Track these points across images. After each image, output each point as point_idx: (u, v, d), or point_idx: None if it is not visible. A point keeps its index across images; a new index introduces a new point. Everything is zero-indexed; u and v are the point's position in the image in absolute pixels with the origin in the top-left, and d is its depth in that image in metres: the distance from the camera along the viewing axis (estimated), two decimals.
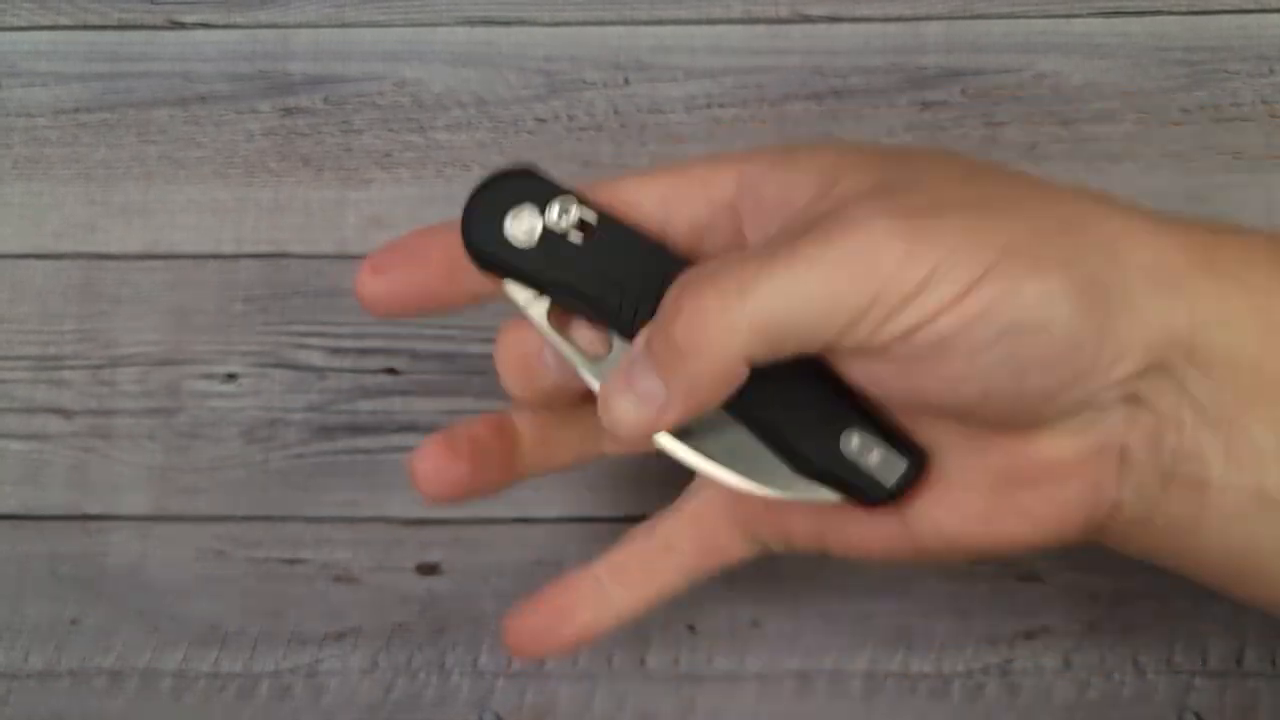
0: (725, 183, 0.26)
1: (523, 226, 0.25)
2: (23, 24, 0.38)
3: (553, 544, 0.34)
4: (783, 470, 0.26)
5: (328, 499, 0.34)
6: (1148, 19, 0.37)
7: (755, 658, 0.33)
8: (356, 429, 0.35)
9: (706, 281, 0.23)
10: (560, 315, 0.26)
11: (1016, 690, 0.33)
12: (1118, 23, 0.37)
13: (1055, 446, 0.24)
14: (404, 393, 0.35)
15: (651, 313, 0.24)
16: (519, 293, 0.25)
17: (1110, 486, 0.24)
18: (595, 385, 0.25)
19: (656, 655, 0.33)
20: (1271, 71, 0.36)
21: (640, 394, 0.24)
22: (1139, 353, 0.23)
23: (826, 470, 0.25)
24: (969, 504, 0.25)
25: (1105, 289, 0.22)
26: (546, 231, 0.25)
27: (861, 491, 0.25)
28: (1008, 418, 0.24)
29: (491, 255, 0.25)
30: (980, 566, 0.33)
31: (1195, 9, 0.37)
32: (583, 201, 0.25)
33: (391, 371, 0.35)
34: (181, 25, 0.38)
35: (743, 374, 0.23)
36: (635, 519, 0.34)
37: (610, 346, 0.26)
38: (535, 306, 0.25)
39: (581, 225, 0.25)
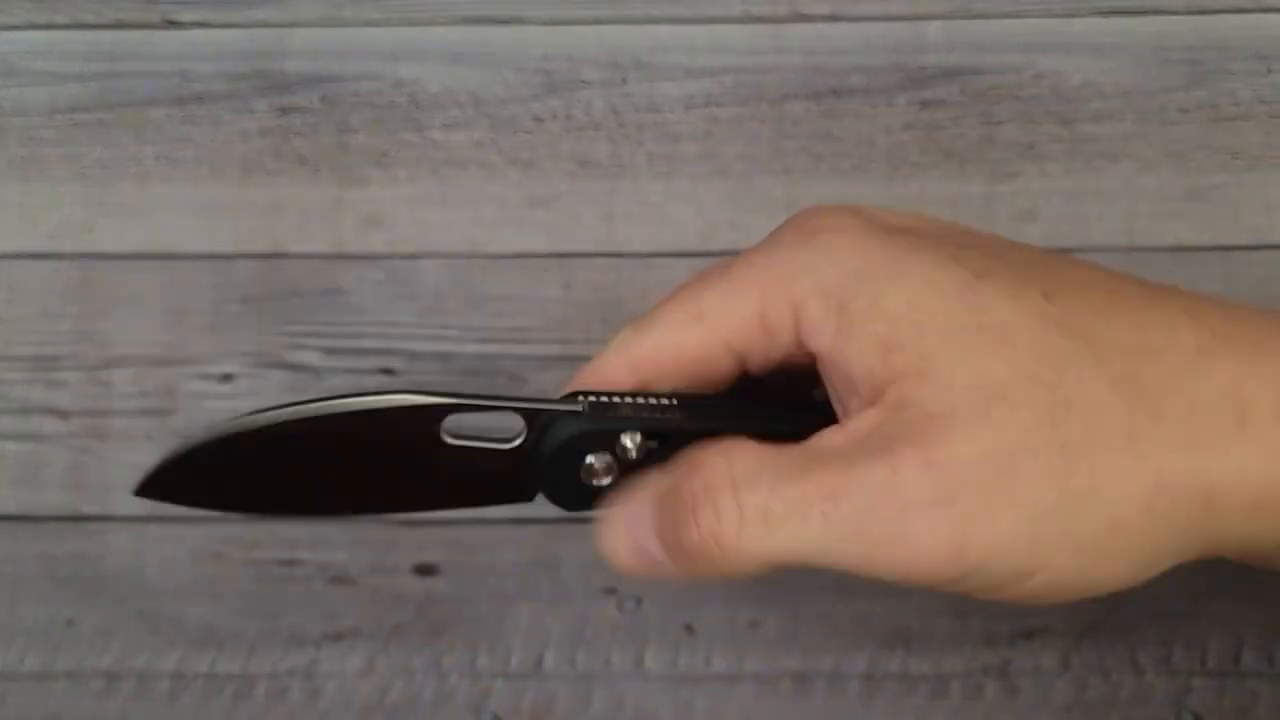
0: (784, 325, 0.23)
1: (602, 473, 0.25)
2: (19, 23, 0.38)
3: (550, 545, 0.34)
4: None
5: None
6: (1147, 19, 0.37)
7: (754, 658, 0.33)
8: None
9: (729, 492, 0.22)
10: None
11: (1015, 691, 0.33)
12: (1117, 22, 0.37)
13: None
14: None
15: None
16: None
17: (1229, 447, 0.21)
18: None
19: (655, 656, 0.33)
20: (1270, 71, 0.36)
21: (640, 549, 0.23)
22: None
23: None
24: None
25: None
26: (623, 467, 0.24)
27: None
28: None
29: (584, 505, 0.25)
30: None
31: (1195, 9, 0.37)
32: (641, 430, 0.24)
33: (388, 372, 0.35)
34: (178, 24, 0.38)
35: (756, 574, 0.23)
36: None
37: None
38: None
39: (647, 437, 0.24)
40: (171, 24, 0.38)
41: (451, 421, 0.25)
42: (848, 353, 0.22)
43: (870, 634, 0.33)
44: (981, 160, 0.36)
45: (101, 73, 0.37)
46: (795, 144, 0.36)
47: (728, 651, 0.33)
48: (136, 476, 0.35)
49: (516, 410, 0.24)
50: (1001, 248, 0.23)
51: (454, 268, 0.36)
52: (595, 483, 0.25)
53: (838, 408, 0.23)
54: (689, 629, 0.34)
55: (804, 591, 0.34)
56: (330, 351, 0.35)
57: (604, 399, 0.24)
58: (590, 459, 0.24)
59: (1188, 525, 0.21)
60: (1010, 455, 0.20)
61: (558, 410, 0.24)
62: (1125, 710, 0.33)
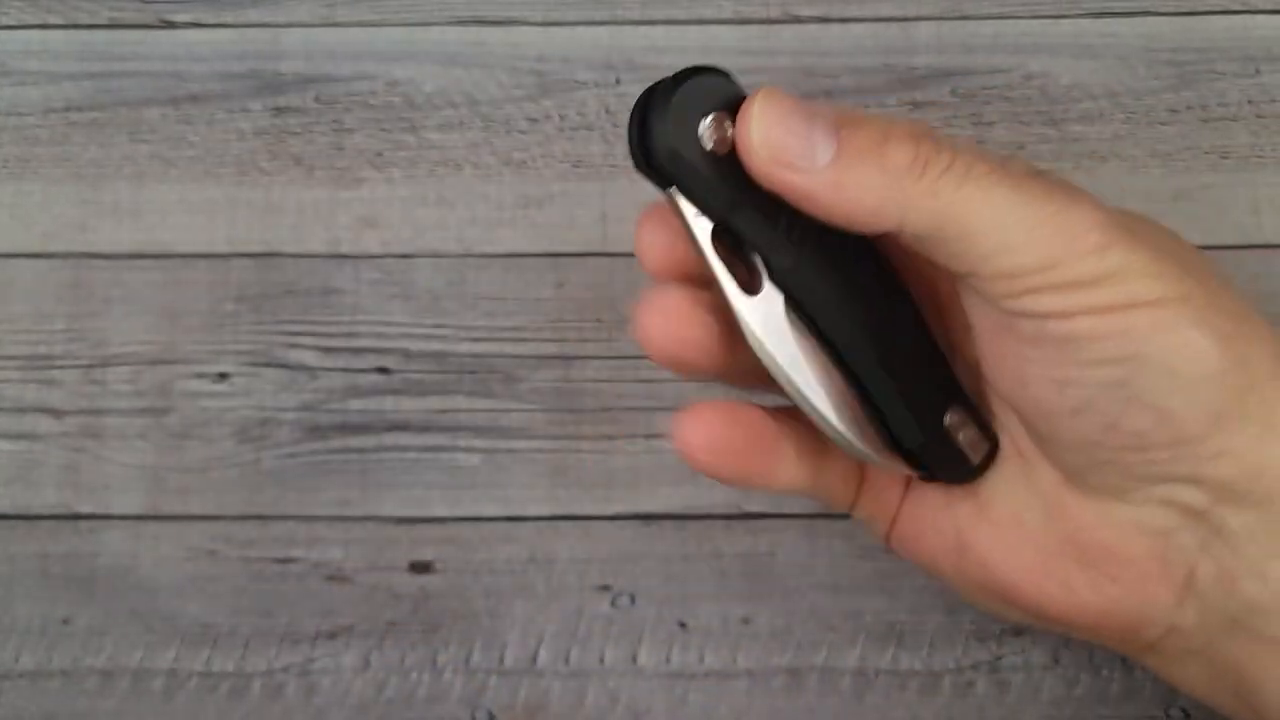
0: None
1: (719, 134, 0.22)
2: (12, 23, 0.38)
3: (545, 542, 0.34)
4: (870, 431, 0.25)
5: (320, 498, 0.34)
6: (1136, 20, 0.37)
7: (746, 655, 0.33)
8: (349, 428, 0.35)
9: (930, 134, 0.22)
10: (721, 239, 0.23)
11: (1006, 686, 0.33)
12: (1106, 23, 0.37)
13: (1121, 534, 0.23)
14: (396, 392, 0.35)
15: (820, 273, 0.23)
16: (688, 205, 0.23)
17: (1167, 605, 0.23)
18: (748, 322, 0.23)
19: (648, 652, 0.34)
20: (1258, 72, 0.37)
21: (806, 138, 0.22)
22: (1241, 467, 0.22)
23: (928, 441, 0.25)
24: (1024, 555, 0.25)
25: (1249, 386, 0.22)
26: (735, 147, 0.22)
27: (949, 467, 0.25)
28: (1087, 456, 0.23)
29: (675, 158, 0.22)
30: None
31: (1183, 10, 0.37)
32: None
33: (383, 370, 0.35)
34: (172, 24, 0.38)
35: (885, 227, 0.22)
36: (626, 517, 0.34)
37: (762, 286, 0.24)
38: (701, 224, 0.23)
39: None
40: (166, 24, 0.38)
41: None
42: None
43: (862, 630, 0.33)
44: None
45: (96, 72, 0.37)
46: None
47: (721, 648, 0.34)
48: (132, 476, 0.35)
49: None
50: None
51: (448, 267, 0.36)
52: (710, 143, 0.22)
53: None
54: (682, 625, 0.34)
55: (796, 588, 0.34)
56: (326, 350, 0.35)
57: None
58: (718, 117, 0.22)
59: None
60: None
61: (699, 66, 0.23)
62: (1115, 706, 0.33)
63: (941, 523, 0.27)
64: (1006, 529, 0.25)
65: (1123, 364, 0.22)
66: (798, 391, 0.24)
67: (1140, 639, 0.25)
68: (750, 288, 0.24)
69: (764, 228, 0.23)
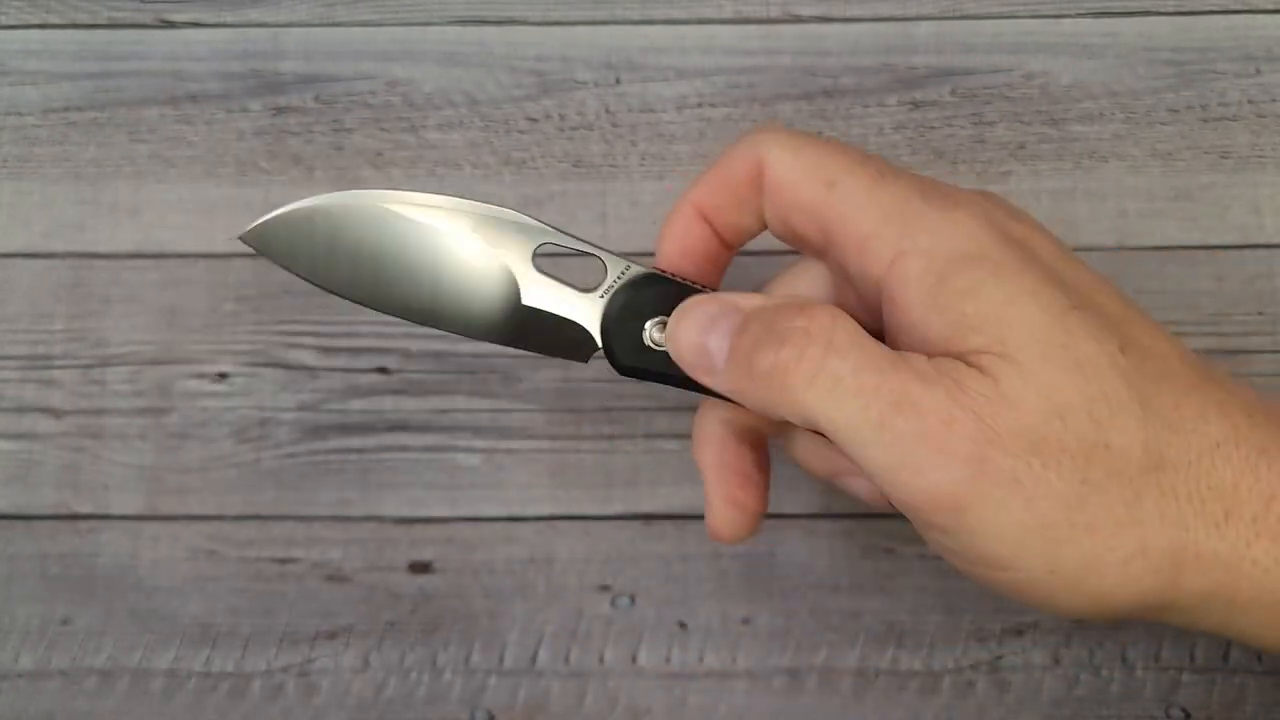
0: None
1: (657, 334, 0.26)
2: (12, 22, 0.38)
3: (544, 542, 0.34)
4: None
5: (319, 498, 0.34)
6: (1136, 19, 0.37)
7: (746, 655, 0.33)
8: (348, 428, 0.35)
9: (821, 346, 0.23)
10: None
11: (1006, 686, 0.33)
12: (1106, 23, 0.37)
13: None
14: (395, 392, 0.35)
15: None
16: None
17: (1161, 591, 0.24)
18: None
19: (648, 652, 0.34)
20: (1258, 72, 0.37)
21: (704, 345, 0.25)
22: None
23: None
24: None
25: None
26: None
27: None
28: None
29: (639, 369, 0.27)
30: None
31: (1183, 9, 0.37)
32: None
33: (383, 371, 0.35)
34: (171, 24, 0.38)
35: (786, 419, 0.24)
36: (626, 517, 0.34)
37: None
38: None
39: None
40: (165, 23, 0.38)
41: (540, 260, 0.27)
42: (929, 318, 0.24)
43: (862, 630, 0.33)
44: (972, 160, 0.36)
45: (95, 72, 0.37)
46: None
47: (720, 648, 0.34)
48: (131, 476, 0.35)
49: (609, 254, 0.26)
50: (1096, 288, 0.25)
51: None
52: (656, 344, 0.26)
53: (888, 338, 0.25)
54: (682, 626, 0.34)
55: (796, 588, 0.34)
56: (325, 350, 0.35)
57: (689, 282, 0.27)
58: (660, 320, 0.26)
59: (1153, 591, 0.23)
60: (1043, 465, 0.22)
61: (645, 271, 0.27)
62: (1115, 706, 0.33)
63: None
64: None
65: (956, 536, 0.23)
66: None
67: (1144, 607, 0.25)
68: None
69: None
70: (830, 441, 0.24)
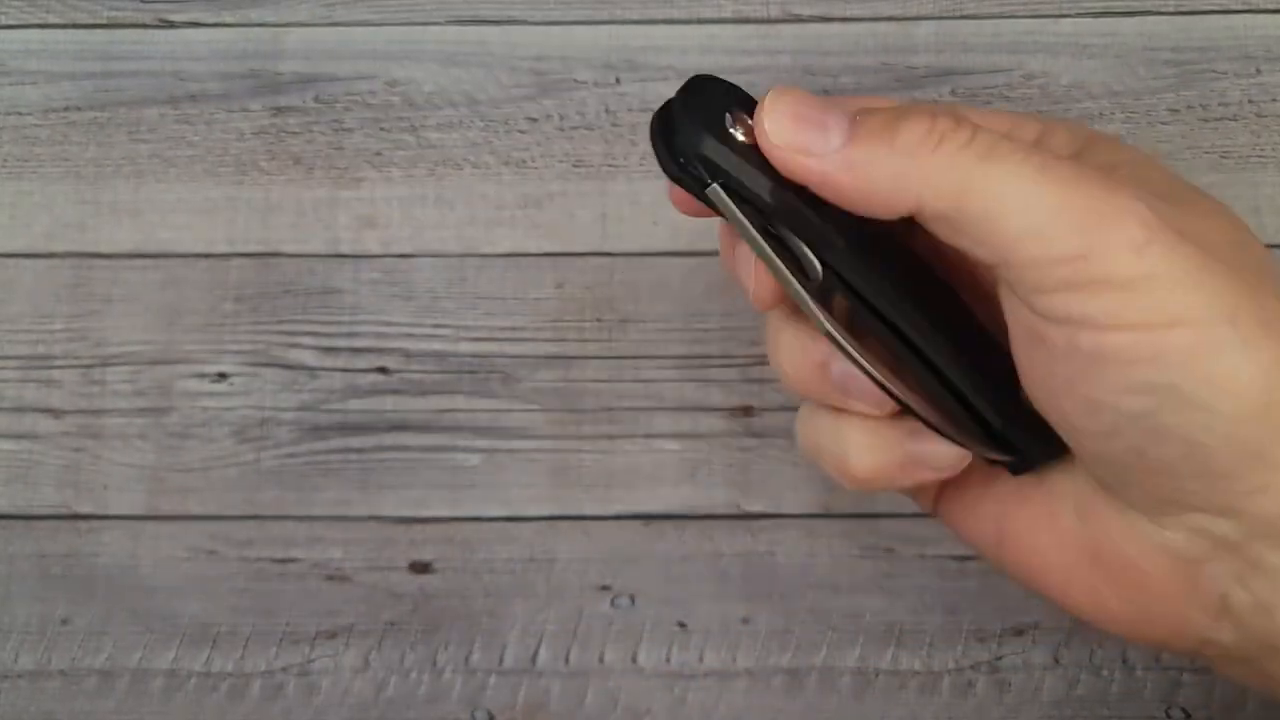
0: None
1: (742, 128, 0.23)
2: (12, 22, 0.38)
3: (544, 542, 0.34)
4: (952, 418, 0.24)
5: (320, 498, 0.34)
6: (1136, 19, 0.37)
7: (746, 654, 0.33)
8: (348, 428, 0.35)
9: (952, 113, 0.21)
10: (768, 233, 0.23)
11: (1006, 686, 0.33)
12: (1106, 23, 0.37)
13: (1145, 552, 0.22)
14: (396, 392, 0.35)
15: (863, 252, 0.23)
16: (729, 201, 0.23)
17: (1201, 623, 0.22)
18: (816, 310, 0.23)
19: (648, 652, 0.34)
20: (1259, 71, 0.37)
21: (819, 124, 0.22)
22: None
23: (1013, 419, 0.24)
24: (1053, 554, 0.24)
25: None
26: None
27: (1036, 447, 0.24)
28: (1116, 474, 0.22)
29: (711, 150, 0.22)
30: (969, 563, 0.34)
31: (1183, 9, 0.37)
32: None
33: (383, 370, 0.35)
34: (171, 24, 0.38)
35: (901, 210, 0.21)
36: (629, 517, 0.34)
37: (818, 275, 0.23)
38: (748, 214, 0.23)
39: None
40: (165, 23, 0.38)
41: None
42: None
43: (862, 630, 0.33)
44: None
45: (95, 72, 0.37)
46: None
47: (720, 648, 0.34)
48: (131, 476, 0.35)
49: None
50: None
51: (448, 267, 0.36)
52: (739, 135, 0.23)
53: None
54: (682, 625, 0.34)
55: (796, 588, 0.34)
56: (325, 350, 0.35)
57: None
58: (736, 114, 0.23)
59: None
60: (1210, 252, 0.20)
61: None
62: (1115, 706, 0.33)
63: (982, 508, 0.26)
64: (1041, 524, 0.24)
65: (1155, 393, 0.20)
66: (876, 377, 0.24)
67: (1177, 647, 0.23)
68: (806, 278, 0.23)
69: (805, 217, 0.23)
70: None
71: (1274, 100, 0.36)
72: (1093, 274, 0.20)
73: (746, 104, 0.23)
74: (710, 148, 0.22)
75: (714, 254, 0.36)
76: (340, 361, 0.35)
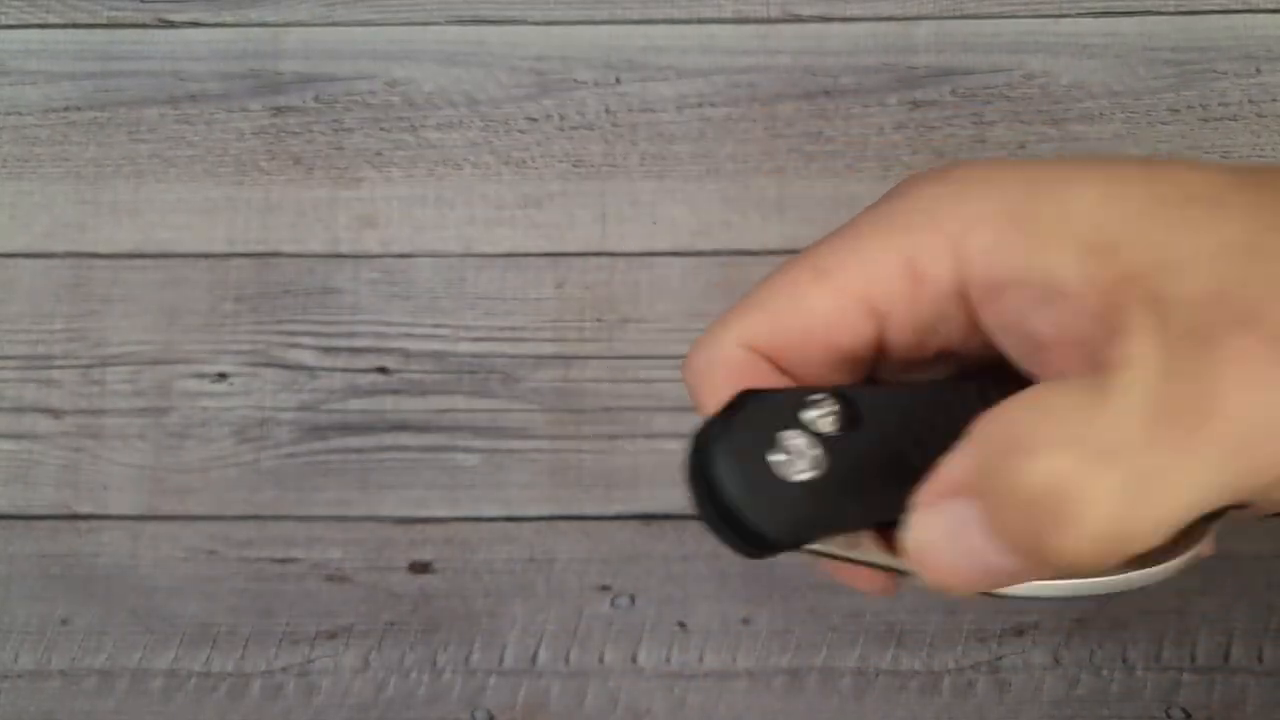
0: (939, 266, 0.19)
1: (796, 456, 0.19)
2: (12, 22, 0.38)
3: (544, 542, 0.34)
4: None
5: (319, 498, 0.34)
6: (1136, 19, 0.37)
7: (746, 655, 0.33)
8: (348, 428, 0.35)
9: (1089, 462, 0.17)
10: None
11: (1006, 686, 0.33)
12: (1106, 23, 0.37)
13: None
14: (395, 392, 0.35)
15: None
16: (811, 550, 0.19)
17: None
18: (897, 565, 0.20)
19: (648, 652, 0.34)
20: (1259, 72, 0.37)
21: (983, 563, 0.18)
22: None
23: None
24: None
25: None
26: (825, 442, 0.19)
27: None
28: None
29: (772, 542, 0.19)
30: None
31: (1183, 9, 0.37)
32: (831, 393, 0.19)
33: (383, 370, 0.35)
34: (171, 24, 0.38)
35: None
36: (626, 517, 0.34)
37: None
38: (832, 548, 0.20)
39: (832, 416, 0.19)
40: (165, 23, 0.38)
41: None
42: (1050, 266, 0.18)
43: (862, 630, 0.33)
44: (973, 159, 0.36)
45: (95, 72, 0.37)
46: (787, 144, 0.36)
47: (720, 648, 0.34)
48: (131, 476, 0.35)
49: None
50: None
51: (448, 267, 0.36)
52: (795, 471, 0.18)
53: (1027, 360, 0.19)
54: (682, 626, 0.34)
55: (796, 588, 0.34)
56: (325, 350, 0.35)
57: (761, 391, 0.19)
58: (785, 434, 0.18)
59: None
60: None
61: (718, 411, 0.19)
62: (1115, 706, 0.33)
63: None
64: None
65: None
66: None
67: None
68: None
69: (884, 493, 0.19)
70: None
71: (1274, 100, 0.36)
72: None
73: (784, 412, 0.19)
74: (772, 525, 0.18)
75: (714, 254, 0.36)
76: (340, 361, 0.35)
